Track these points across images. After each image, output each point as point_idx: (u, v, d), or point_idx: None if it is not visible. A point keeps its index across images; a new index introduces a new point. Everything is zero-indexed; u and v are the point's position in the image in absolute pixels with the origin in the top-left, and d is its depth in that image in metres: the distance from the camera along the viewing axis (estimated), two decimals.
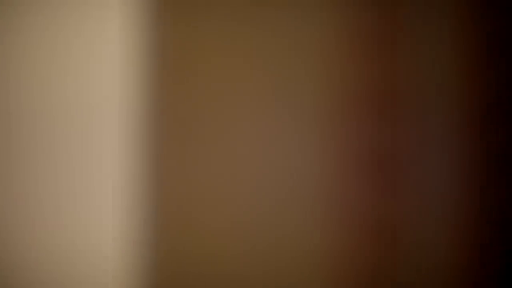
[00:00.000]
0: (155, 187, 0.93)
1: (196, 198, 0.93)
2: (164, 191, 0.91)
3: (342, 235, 0.90)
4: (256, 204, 0.91)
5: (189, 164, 0.92)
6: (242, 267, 0.91)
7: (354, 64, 0.93)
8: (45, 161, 1.05)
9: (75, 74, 1.06)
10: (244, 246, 0.90)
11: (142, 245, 0.92)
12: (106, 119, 1.05)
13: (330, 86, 0.92)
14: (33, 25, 1.11)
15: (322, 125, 0.91)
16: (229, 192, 0.91)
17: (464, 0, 0.87)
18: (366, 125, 0.91)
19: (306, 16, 0.93)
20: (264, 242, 0.90)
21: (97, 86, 1.07)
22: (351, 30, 0.92)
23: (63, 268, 1.05)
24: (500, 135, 0.86)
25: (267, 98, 0.93)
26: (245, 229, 0.91)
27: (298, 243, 0.90)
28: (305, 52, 0.92)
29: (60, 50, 1.08)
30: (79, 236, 1.00)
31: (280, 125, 0.91)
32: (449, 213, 0.88)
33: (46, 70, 1.07)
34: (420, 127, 0.89)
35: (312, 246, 0.89)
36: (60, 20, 1.07)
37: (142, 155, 0.96)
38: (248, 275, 0.91)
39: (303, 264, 0.90)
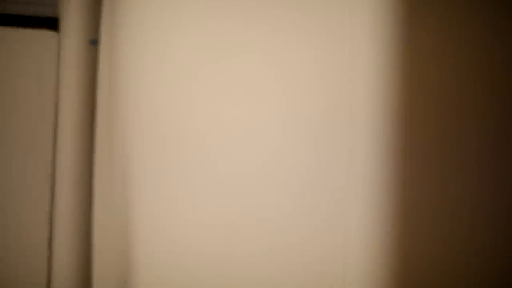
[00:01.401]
0: (398, 189, 0.92)
1: (432, 201, 0.92)
2: (405, 193, 0.92)
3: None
4: (477, 210, 0.91)
5: (427, 168, 0.92)
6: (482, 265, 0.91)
7: None
8: (297, 163, 1.04)
9: (314, 76, 1.04)
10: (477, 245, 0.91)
11: (384, 245, 0.91)
12: (351, 120, 1.04)
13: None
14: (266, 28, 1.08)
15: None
16: (457, 196, 0.91)
17: None
18: None
19: None
20: (483, 239, 0.91)
21: (335, 88, 1.05)
22: None
23: (304, 265, 1.04)
24: None
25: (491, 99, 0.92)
26: (475, 230, 0.92)
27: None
28: None
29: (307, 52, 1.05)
30: (329, 237, 0.99)
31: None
32: None
33: (280, 73, 1.05)
34: None
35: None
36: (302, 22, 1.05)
37: (385, 159, 0.95)
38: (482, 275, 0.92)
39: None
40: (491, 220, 1.03)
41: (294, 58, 1.01)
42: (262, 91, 1.10)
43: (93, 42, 3.44)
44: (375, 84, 0.99)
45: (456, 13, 1.03)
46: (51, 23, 3.63)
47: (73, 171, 3.33)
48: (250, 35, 1.19)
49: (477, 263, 1.00)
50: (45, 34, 3.53)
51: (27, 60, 3.49)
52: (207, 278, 1.42)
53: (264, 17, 1.17)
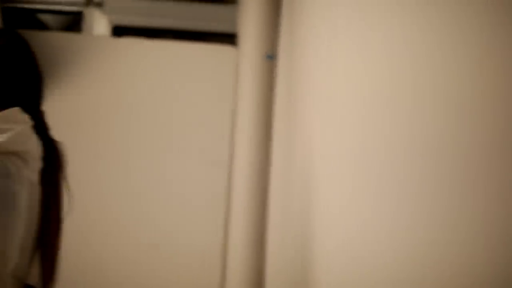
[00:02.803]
0: None
1: None
2: None
3: None
4: None
5: None
6: None
7: None
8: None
9: None
10: None
11: None
12: None
13: None
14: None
15: None
16: None
17: None
18: None
19: None
20: None
21: None
22: None
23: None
24: None
25: None
26: None
27: None
28: None
29: None
30: None
31: None
32: None
33: None
34: None
35: None
36: None
37: None
38: None
39: None
40: None
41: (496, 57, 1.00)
42: (465, 93, 1.10)
43: (270, 57, 3.55)
44: None
45: None
46: (230, 39, 3.78)
47: (249, 181, 3.43)
48: (446, 41, 1.19)
49: None
50: (225, 49, 3.67)
51: (207, 73, 3.63)
52: (392, 280, 1.43)
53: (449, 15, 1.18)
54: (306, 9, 2.85)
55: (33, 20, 4.10)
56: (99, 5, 3.90)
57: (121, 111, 3.63)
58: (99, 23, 3.90)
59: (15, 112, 1.91)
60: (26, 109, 1.94)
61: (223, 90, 3.66)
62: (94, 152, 3.48)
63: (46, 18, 4.15)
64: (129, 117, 3.63)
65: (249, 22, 3.52)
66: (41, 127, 1.97)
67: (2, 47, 1.95)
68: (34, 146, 1.94)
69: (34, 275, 1.97)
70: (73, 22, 4.10)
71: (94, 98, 3.61)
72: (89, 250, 3.46)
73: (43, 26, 4.10)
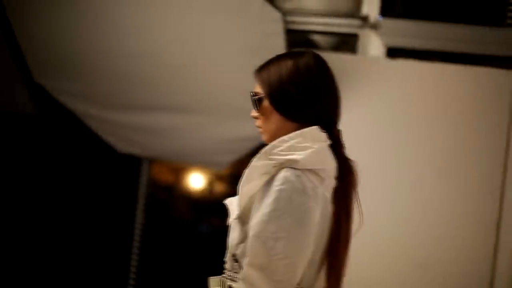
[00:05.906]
0: None
1: None
2: None
3: None
4: None
5: None
6: None
7: None
8: None
9: None
10: None
11: None
12: None
13: None
14: None
15: None
16: None
17: None
18: None
19: None
20: None
21: None
22: None
23: None
24: None
25: None
26: None
27: None
28: None
29: None
30: None
31: None
32: None
33: None
34: None
35: None
36: None
37: None
38: None
39: None
40: None
41: None
42: None
43: None
44: None
45: None
46: (506, 63, 3.68)
47: None
48: None
49: None
50: (500, 73, 3.57)
51: (481, 98, 3.57)
52: None
53: None
54: None
55: (303, 40, 4.23)
56: (374, 27, 3.95)
57: (395, 132, 3.65)
58: (373, 44, 3.94)
59: (315, 131, 1.99)
60: (324, 128, 2.00)
61: (497, 115, 3.58)
62: (370, 173, 3.53)
63: (316, 38, 4.26)
64: (403, 138, 3.64)
65: None
66: (337, 146, 2.03)
67: (309, 67, 2.04)
68: (330, 165, 2.00)
69: None
70: (340, 42, 4.18)
71: (369, 118, 3.66)
72: (361, 265, 3.52)
73: (313, 46, 4.21)
